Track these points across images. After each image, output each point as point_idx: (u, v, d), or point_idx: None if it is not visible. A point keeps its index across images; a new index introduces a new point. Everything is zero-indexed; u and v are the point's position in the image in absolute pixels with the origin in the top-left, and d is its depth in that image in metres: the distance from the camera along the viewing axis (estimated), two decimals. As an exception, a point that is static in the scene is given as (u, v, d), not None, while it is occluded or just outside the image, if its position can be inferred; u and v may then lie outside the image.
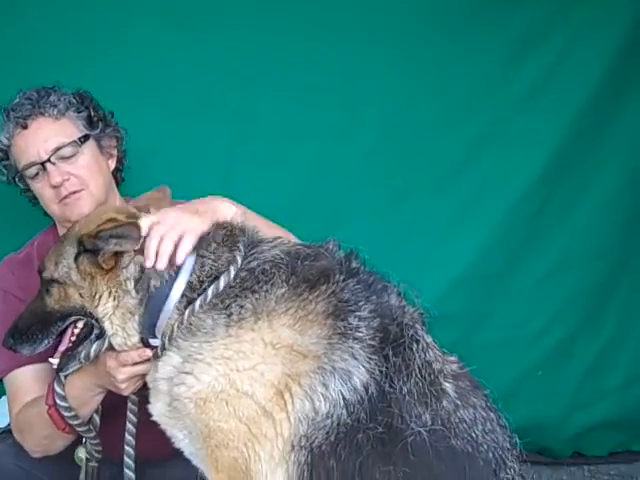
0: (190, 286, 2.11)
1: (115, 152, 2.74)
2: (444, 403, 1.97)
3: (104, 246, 2.12)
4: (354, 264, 2.13)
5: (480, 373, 2.12)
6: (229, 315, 2.04)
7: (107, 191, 2.65)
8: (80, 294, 2.16)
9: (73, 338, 2.24)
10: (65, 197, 2.54)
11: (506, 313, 3.39)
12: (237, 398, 1.97)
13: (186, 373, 2.04)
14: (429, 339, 2.08)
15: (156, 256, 2.09)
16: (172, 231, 2.12)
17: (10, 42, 3.01)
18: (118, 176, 2.81)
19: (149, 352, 2.15)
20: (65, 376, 2.33)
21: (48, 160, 2.52)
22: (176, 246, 2.10)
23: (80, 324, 2.22)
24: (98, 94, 2.72)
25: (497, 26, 3.16)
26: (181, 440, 2.14)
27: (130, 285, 2.14)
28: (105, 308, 2.15)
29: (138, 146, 2.88)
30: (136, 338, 2.14)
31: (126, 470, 2.38)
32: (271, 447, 1.97)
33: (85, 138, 2.59)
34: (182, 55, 3.10)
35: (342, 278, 2.07)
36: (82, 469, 2.46)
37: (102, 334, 2.18)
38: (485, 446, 1.97)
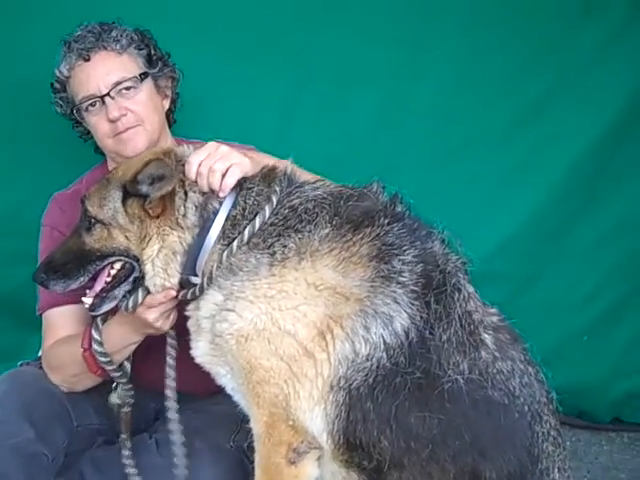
0: (232, 222, 2.15)
1: (170, 93, 2.77)
2: (482, 353, 2.02)
3: (149, 191, 2.15)
4: (399, 208, 2.16)
5: (525, 333, 2.16)
6: (272, 254, 2.08)
7: (160, 130, 2.69)
8: (126, 236, 2.19)
9: (109, 279, 2.26)
10: (121, 132, 2.58)
11: (556, 275, 3.38)
12: (279, 336, 2.03)
13: (228, 310, 2.09)
14: (470, 289, 2.11)
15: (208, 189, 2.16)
16: (220, 163, 2.18)
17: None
18: (171, 117, 2.84)
19: (173, 292, 2.21)
20: (103, 322, 2.39)
21: (108, 94, 2.55)
22: (223, 176, 2.16)
23: (118, 265, 2.24)
24: (155, 34, 2.74)
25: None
26: (223, 376, 2.21)
27: (178, 226, 2.17)
28: (151, 250, 2.18)
29: (193, 88, 2.91)
30: (176, 279, 2.19)
31: (167, 403, 2.42)
32: (311, 386, 2.03)
33: (145, 75, 2.62)
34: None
35: (387, 222, 2.09)
36: (116, 414, 2.51)
37: (141, 277, 2.22)
38: (522, 399, 2.02)
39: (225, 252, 2.12)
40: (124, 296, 2.28)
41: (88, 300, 2.28)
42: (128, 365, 2.47)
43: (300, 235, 2.08)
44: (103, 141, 2.65)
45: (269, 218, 2.13)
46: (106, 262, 2.23)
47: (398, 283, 2.02)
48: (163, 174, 2.14)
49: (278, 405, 2.07)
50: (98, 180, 2.33)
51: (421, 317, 2.00)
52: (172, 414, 2.42)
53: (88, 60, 2.59)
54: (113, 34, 2.61)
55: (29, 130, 3.16)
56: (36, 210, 2.89)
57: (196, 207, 2.17)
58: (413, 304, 2.01)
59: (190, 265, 2.17)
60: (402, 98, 3.18)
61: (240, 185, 2.19)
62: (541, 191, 3.27)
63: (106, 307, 2.29)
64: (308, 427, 2.06)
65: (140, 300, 2.24)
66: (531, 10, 3.11)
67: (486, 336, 2.05)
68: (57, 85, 2.70)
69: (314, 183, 2.23)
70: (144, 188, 2.16)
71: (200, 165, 2.19)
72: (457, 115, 3.19)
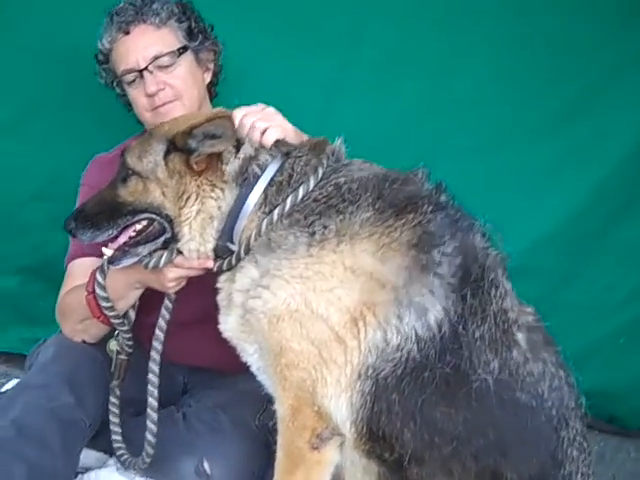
0: (276, 188, 2.14)
1: (212, 65, 2.79)
2: (514, 353, 2.01)
3: (198, 146, 2.13)
4: (443, 197, 2.14)
5: (560, 333, 2.14)
6: (312, 234, 2.06)
7: (200, 104, 2.71)
8: (163, 192, 2.17)
9: (133, 233, 2.24)
10: (158, 106, 2.61)
11: (594, 276, 3.34)
12: (311, 320, 2.03)
13: (263, 287, 2.08)
14: (508, 286, 2.09)
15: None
16: (262, 121, 2.21)
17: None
18: (212, 90, 2.85)
19: (210, 263, 2.21)
20: (109, 267, 2.36)
21: (146, 68, 2.59)
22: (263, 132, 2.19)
23: (145, 222, 2.22)
24: (199, 6, 2.75)
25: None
26: (250, 355, 2.22)
27: (218, 187, 2.16)
28: (189, 211, 2.16)
29: (237, 62, 2.93)
30: (211, 245, 2.19)
31: (151, 364, 2.43)
32: (339, 373, 2.03)
33: (184, 49, 2.64)
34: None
35: (430, 209, 2.07)
36: (113, 360, 2.52)
37: (171, 239, 2.21)
38: (550, 402, 2.01)
39: (265, 220, 2.11)
40: (147, 255, 2.26)
41: (108, 252, 2.27)
42: (133, 314, 2.49)
43: (342, 217, 2.07)
44: (142, 114, 2.70)
45: (312, 191, 2.12)
46: (137, 218, 2.21)
47: (436, 274, 2.01)
48: (221, 133, 2.12)
49: (305, 389, 2.07)
50: (142, 133, 2.33)
51: (455, 311, 1.99)
52: (153, 377, 2.43)
53: (128, 33, 2.63)
54: (154, 7, 2.63)
55: (73, 98, 3.21)
56: (78, 175, 2.93)
57: (240, 170, 2.16)
58: (449, 297, 2.00)
59: (228, 231, 2.16)
60: (444, 87, 3.16)
61: (288, 152, 2.19)
62: (582, 189, 3.23)
63: (126, 262, 2.27)
64: (332, 414, 2.06)
65: (167, 261, 2.23)
66: (577, 4, 3.07)
67: (520, 336, 2.04)
68: (100, 57, 2.74)
69: (361, 164, 2.22)
70: (193, 143, 2.14)
71: (243, 117, 2.20)
72: (499, 107, 3.17)
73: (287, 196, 2.12)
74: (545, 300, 2.79)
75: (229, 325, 2.22)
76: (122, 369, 2.50)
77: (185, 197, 2.16)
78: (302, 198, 2.11)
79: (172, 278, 2.30)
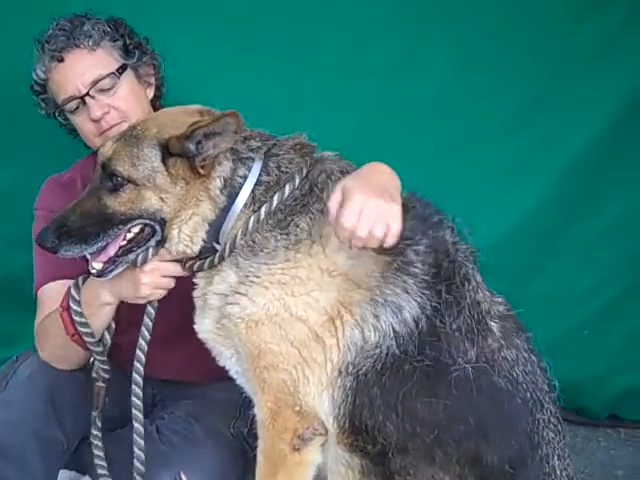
0: (265, 187, 2.18)
1: (153, 80, 2.78)
2: (489, 341, 2.14)
3: (199, 149, 2.12)
4: (410, 196, 2.25)
5: (525, 326, 2.27)
6: (288, 235, 2.14)
7: None
8: (161, 197, 2.15)
9: (124, 242, 2.21)
10: (106, 130, 2.60)
11: (557, 270, 3.48)
12: (290, 322, 2.11)
13: (241, 294, 2.14)
14: (479, 278, 2.23)
15: None
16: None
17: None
18: (157, 104, 2.84)
19: (183, 272, 2.25)
20: (84, 280, 2.38)
21: (87, 94, 2.58)
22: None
23: (136, 229, 2.19)
24: (133, 19, 2.76)
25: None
26: (228, 358, 2.27)
27: (218, 188, 2.17)
28: (186, 214, 2.16)
29: (186, 76, 2.97)
30: (198, 247, 2.20)
31: (133, 386, 2.38)
32: (320, 371, 2.13)
33: (123, 69, 2.64)
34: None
35: None
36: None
37: (161, 241, 2.20)
38: (524, 386, 2.15)
39: (252, 218, 2.15)
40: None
41: (98, 265, 2.22)
42: (108, 337, 2.45)
43: (311, 215, 2.15)
44: (90, 140, 2.68)
45: (295, 190, 2.18)
46: (129, 225, 2.18)
47: (409, 274, 2.12)
48: (222, 130, 2.11)
49: (285, 391, 2.15)
50: (118, 137, 2.24)
51: (432, 306, 2.11)
52: (136, 400, 2.39)
53: (62, 61, 2.61)
54: (85, 29, 2.62)
55: (21, 120, 3.16)
56: (32, 195, 2.94)
57: (230, 172, 2.18)
58: (424, 293, 2.12)
59: (214, 231, 2.18)
60: (403, 90, 3.24)
61: (269, 149, 2.23)
62: (542, 186, 3.36)
63: (117, 271, 2.24)
64: (315, 412, 2.16)
65: (148, 258, 2.23)
66: (534, 3, 3.19)
67: (493, 324, 2.17)
68: (37, 87, 2.72)
69: (332, 160, 2.29)
70: (192, 146, 2.12)
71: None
72: (457, 109, 3.26)
73: (274, 194, 2.16)
74: (509, 295, 2.94)
75: (205, 327, 2.25)
76: (101, 398, 2.49)
77: (188, 201, 2.16)
78: (287, 196, 2.16)
79: (147, 283, 2.28)
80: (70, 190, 2.77)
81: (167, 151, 2.15)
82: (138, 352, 2.39)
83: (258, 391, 2.20)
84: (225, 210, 2.17)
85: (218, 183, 2.17)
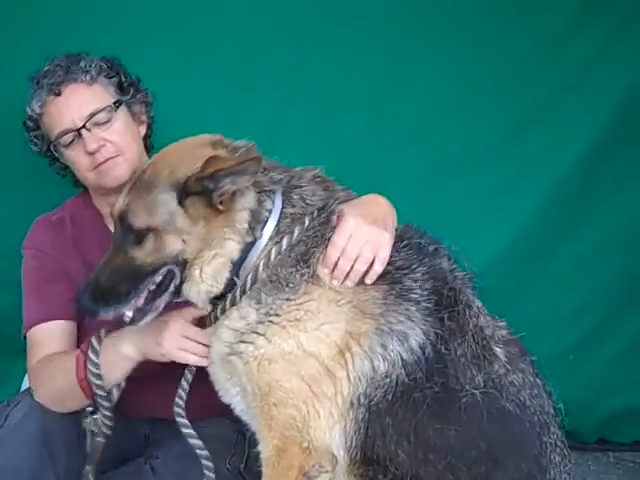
0: (289, 221, 2.22)
1: (145, 118, 2.84)
2: (495, 367, 2.22)
3: (219, 186, 2.11)
4: (403, 228, 2.35)
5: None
6: (309, 267, 2.19)
7: (141, 157, 2.73)
8: (183, 240, 2.15)
9: (153, 287, 2.22)
10: (101, 163, 2.62)
11: (540, 295, 3.55)
12: (303, 359, 2.15)
13: (257, 334, 2.17)
14: (479, 303, 2.31)
15: None
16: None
17: (31, 12, 3.08)
18: (148, 142, 2.89)
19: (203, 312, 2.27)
20: (107, 333, 2.41)
21: (83, 126, 2.61)
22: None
23: (163, 275, 2.19)
24: (124, 59, 2.81)
25: (549, 4, 3.29)
26: (233, 396, 2.30)
27: (245, 221, 2.18)
28: (208, 254, 2.17)
29: (171, 113, 2.99)
30: (222, 286, 2.20)
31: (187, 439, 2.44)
32: (330, 405, 2.17)
33: (118, 103, 2.68)
34: (219, 16, 3.16)
35: (394, 250, 2.25)
36: (87, 440, 2.53)
37: (180, 284, 2.21)
38: (532, 409, 2.23)
39: (274, 249, 2.17)
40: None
41: (130, 313, 2.23)
42: (116, 395, 2.48)
43: (322, 248, 2.22)
44: (84, 175, 2.71)
45: (313, 220, 2.24)
46: (158, 274, 2.18)
47: (410, 300, 2.20)
48: (244, 170, 2.11)
49: (292, 427, 2.18)
50: (130, 187, 2.26)
51: (435, 333, 2.18)
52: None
53: (59, 94, 2.65)
54: (82, 64, 2.68)
55: (7, 159, 3.21)
56: (17, 236, 2.95)
57: (255, 207, 2.21)
58: (427, 320, 2.19)
59: (237, 267, 2.20)
60: (385, 121, 3.31)
61: (288, 182, 2.28)
62: (526, 211, 3.43)
63: (148, 318, 2.26)
64: (326, 445, 2.19)
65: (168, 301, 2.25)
66: (515, 30, 3.28)
67: (498, 350, 2.25)
68: (30, 123, 2.76)
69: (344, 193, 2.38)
70: (211, 184, 2.12)
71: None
72: (440, 138, 3.33)
73: (295, 226, 2.21)
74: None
75: (209, 365, 2.30)
76: (98, 452, 2.51)
77: (211, 240, 2.17)
78: (307, 227, 2.21)
79: (169, 334, 2.33)
80: (59, 230, 2.82)
81: (183, 191, 2.15)
82: (179, 391, 2.45)
83: (264, 428, 2.22)
84: (250, 244, 2.20)
85: (245, 216, 2.19)
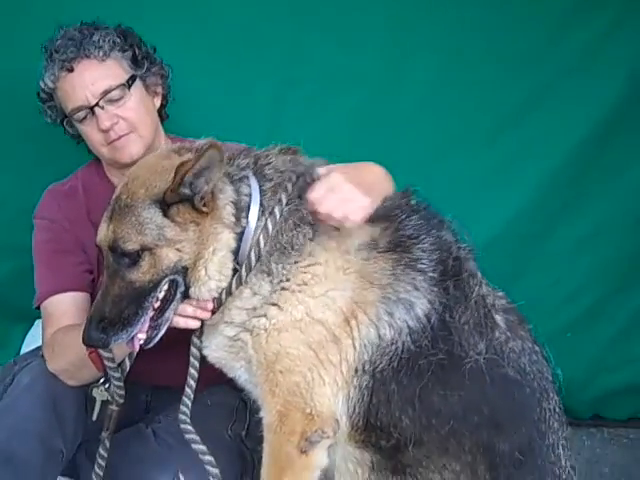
0: (269, 195, 2.27)
1: (160, 90, 2.87)
2: (496, 334, 2.31)
3: (194, 190, 2.16)
4: (413, 201, 2.43)
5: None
6: (312, 225, 2.26)
7: (155, 131, 2.81)
8: (177, 249, 2.19)
9: (157, 304, 2.25)
10: (114, 140, 2.69)
11: (539, 273, 3.62)
12: (311, 325, 2.22)
13: (271, 304, 2.23)
14: (479, 274, 2.40)
15: None
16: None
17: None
18: (163, 113, 2.94)
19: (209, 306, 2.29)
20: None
21: (96, 104, 2.65)
22: None
23: (165, 286, 2.23)
24: (139, 27, 2.84)
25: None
26: (237, 369, 2.38)
27: (231, 214, 2.24)
28: (207, 253, 2.21)
29: (184, 84, 3.06)
30: (229, 277, 2.24)
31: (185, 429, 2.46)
32: (335, 372, 2.24)
33: (132, 79, 2.72)
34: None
35: (404, 216, 2.35)
36: (95, 408, 2.59)
37: (186, 289, 2.24)
38: (531, 375, 2.32)
39: (269, 220, 2.22)
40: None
41: (143, 335, 2.25)
42: (128, 363, 2.48)
43: None
44: (98, 150, 2.77)
45: (295, 185, 2.29)
46: (159, 289, 2.22)
47: (418, 270, 2.28)
48: (209, 164, 2.15)
49: (297, 393, 2.25)
50: (109, 216, 2.27)
51: (440, 302, 2.27)
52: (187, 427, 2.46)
53: (72, 71, 2.68)
54: (95, 39, 2.69)
55: (13, 125, 3.27)
56: (19, 203, 3.07)
57: (235, 193, 2.26)
58: (432, 290, 2.27)
59: (237, 257, 2.25)
60: (386, 99, 3.37)
61: (256, 163, 2.33)
62: (524, 193, 3.51)
63: (161, 333, 2.28)
64: (329, 412, 2.26)
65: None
66: (517, 13, 3.34)
67: (498, 317, 2.34)
68: (43, 95, 2.80)
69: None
70: (187, 190, 2.16)
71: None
72: (441, 117, 3.40)
73: (280, 194, 2.26)
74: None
75: (214, 352, 2.36)
76: (113, 420, 2.53)
77: (206, 241, 2.21)
78: (291, 192, 2.27)
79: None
80: (72, 200, 2.87)
81: (165, 203, 2.19)
82: (184, 398, 2.46)
83: (268, 395, 2.28)
84: (242, 233, 2.25)
85: (229, 209, 2.24)
